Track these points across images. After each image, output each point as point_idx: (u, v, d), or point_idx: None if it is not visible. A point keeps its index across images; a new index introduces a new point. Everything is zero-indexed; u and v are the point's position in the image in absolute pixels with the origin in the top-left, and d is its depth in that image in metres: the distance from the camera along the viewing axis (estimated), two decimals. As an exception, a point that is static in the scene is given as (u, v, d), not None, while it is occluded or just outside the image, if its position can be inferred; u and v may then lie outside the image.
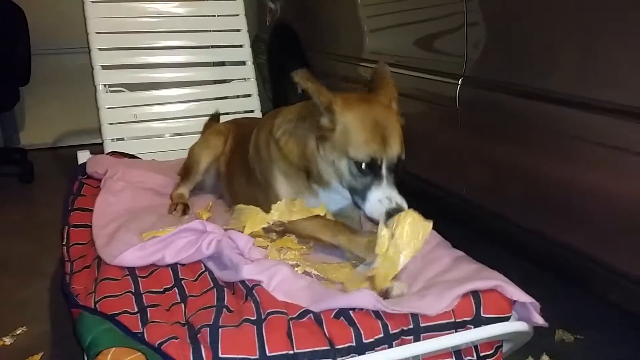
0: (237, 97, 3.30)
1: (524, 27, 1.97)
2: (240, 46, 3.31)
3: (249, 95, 3.28)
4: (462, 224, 2.51)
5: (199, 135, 2.79)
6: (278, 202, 1.78)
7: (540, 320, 1.45)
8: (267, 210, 1.78)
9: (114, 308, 1.45)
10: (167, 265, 1.67)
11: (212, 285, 1.58)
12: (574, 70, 1.79)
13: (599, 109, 1.65)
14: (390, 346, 1.36)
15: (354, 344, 1.33)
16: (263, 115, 3.08)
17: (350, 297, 1.40)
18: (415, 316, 1.39)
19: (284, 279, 1.50)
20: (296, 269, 1.60)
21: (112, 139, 2.96)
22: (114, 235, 1.83)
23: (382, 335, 1.35)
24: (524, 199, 2.05)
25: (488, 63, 2.15)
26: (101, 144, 2.97)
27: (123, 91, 3.04)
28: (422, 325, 1.39)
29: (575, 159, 1.79)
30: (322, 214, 1.76)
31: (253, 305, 1.41)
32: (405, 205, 1.59)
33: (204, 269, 1.67)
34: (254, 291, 1.46)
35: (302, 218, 1.75)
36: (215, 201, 2.30)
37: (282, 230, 1.80)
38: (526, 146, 1.98)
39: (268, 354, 1.28)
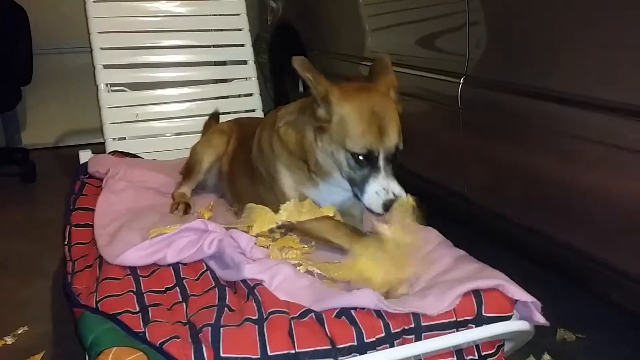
0: (239, 96, 3.30)
1: (526, 26, 1.97)
2: (242, 45, 3.31)
3: (250, 95, 3.28)
4: (463, 223, 2.51)
5: (201, 134, 2.80)
6: (287, 202, 1.77)
7: (541, 320, 1.45)
8: (274, 209, 1.78)
9: (116, 307, 1.45)
10: (169, 265, 1.67)
11: (213, 284, 1.58)
12: (576, 70, 1.79)
13: (600, 107, 1.65)
14: (392, 345, 1.36)
15: (355, 343, 1.33)
16: (265, 114, 3.08)
17: (351, 296, 1.40)
18: (416, 315, 1.39)
19: (286, 278, 1.50)
20: (298, 268, 1.60)
21: (114, 139, 2.97)
22: (116, 235, 1.83)
23: (383, 334, 1.35)
24: (525, 198, 2.04)
25: (490, 62, 2.14)
26: (103, 144, 2.98)
27: (125, 91, 3.04)
28: (423, 324, 1.39)
29: (576, 158, 1.79)
30: (330, 214, 1.74)
31: (254, 304, 1.41)
32: (403, 193, 1.58)
33: (205, 268, 1.67)
34: (255, 290, 1.46)
35: (312, 219, 1.73)
36: (216, 200, 2.30)
37: (290, 230, 1.79)
38: (527, 145, 1.98)
39: (269, 353, 1.28)
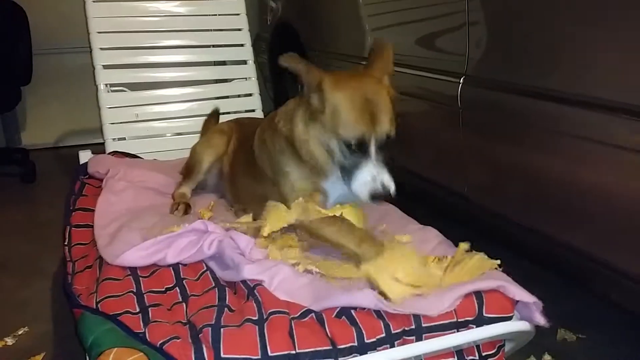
0: (239, 96, 3.30)
1: (526, 26, 1.97)
2: (242, 45, 3.31)
3: (250, 95, 3.28)
4: (463, 223, 2.50)
5: (200, 133, 2.80)
6: (296, 200, 1.75)
7: (542, 320, 1.45)
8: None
9: (116, 308, 1.45)
10: (169, 265, 1.67)
11: (213, 284, 1.58)
12: (576, 69, 1.78)
13: (600, 107, 1.65)
14: (392, 346, 1.36)
15: (355, 343, 1.33)
16: (265, 114, 3.07)
17: (351, 296, 1.40)
18: (417, 316, 1.39)
19: (285, 278, 1.50)
20: (297, 267, 1.60)
21: (114, 139, 2.97)
22: (116, 235, 1.83)
23: (384, 335, 1.35)
24: (524, 198, 2.04)
25: (489, 62, 2.14)
26: (103, 144, 2.97)
27: (124, 91, 3.03)
28: (424, 325, 1.39)
29: (576, 158, 1.79)
30: (337, 214, 1.73)
31: (255, 305, 1.41)
32: (392, 185, 1.59)
33: (205, 268, 1.67)
34: (255, 291, 1.46)
35: (323, 220, 1.71)
36: (217, 201, 2.30)
37: (300, 230, 1.77)
38: (527, 145, 1.98)
39: (270, 354, 1.28)
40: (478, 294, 1.45)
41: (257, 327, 1.33)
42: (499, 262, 1.57)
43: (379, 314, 1.38)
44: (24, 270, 2.71)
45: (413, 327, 1.39)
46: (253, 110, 3.24)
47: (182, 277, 1.63)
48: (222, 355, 1.26)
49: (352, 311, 1.39)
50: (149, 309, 1.47)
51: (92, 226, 1.99)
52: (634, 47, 1.58)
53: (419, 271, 1.49)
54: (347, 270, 1.61)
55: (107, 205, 2.12)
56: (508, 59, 2.06)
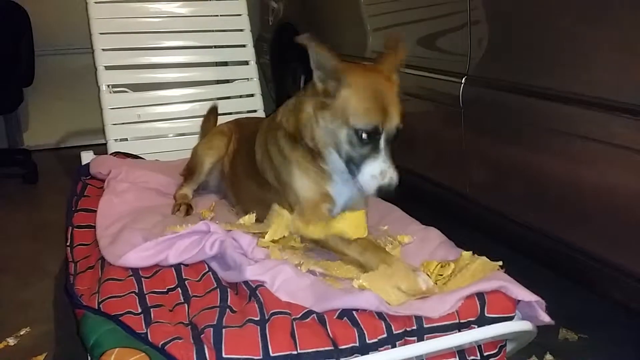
0: (240, 96, 3.30)
1: (527, 26, 1.97)
2: (243, 46, 3.31)
3: (252, 95, 3.28)
4: (465, 222, 2.50)
5: (200, 129, 2.84)
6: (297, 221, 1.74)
7: (546, 318, 1.45)
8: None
9: (118, 308, 1.45)
10: (171, 266, 1.67)
11: (215, 285, 1.58)
12: (577, 69, 1.78)
13: (602, 107, 1.65)
14: (394, 346, 1.36)
15: (357, 344, 1.33)
16: (266, 115, 3.07)
17: (353, 297, 1.40)
18: (418, 317, 1.39)
19: (287, 279, 1.50)
20: (300, 267, 1.60)
21: (116, 140, 2.97)
22: (118, 236, 1.83)
23: (385, 335, 1.35)
24: (526, 197, 2.04)
25: (491, 62, 2.14)
26: (105, 145, 2.97)
27: (126, 91, 3.04)
28: (425, 326, 1.39)
29: (578, 157, 1.78)
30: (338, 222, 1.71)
31: (256, 305, 1.41)
32: (396, 181, 1.59)
33: (207, 269, 1.67)
34: (257, 292, 1.46)
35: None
36: (218, 201, 2.30)
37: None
38: (529, 144, 1.98)
39: (272, 354, 1.28)
40: (480, 295, 1.45)
41: (258, 327, 1.33)
42: (500, 263, 1.57)
43: (380, 314, 1.38)
44: (25, 270, 2.72)
45: (415, 327, 1.39)
46: (255, 111, 3.24)
47: (184, 277, 1.63)
48: (224, 356, 1.26)
49: (354, 312, 1.39)
50: (151, 309, 1.47)
51: (94, 227, 1.99)
52: (635, 46, 1.57)
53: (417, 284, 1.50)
54: (349, 270, 1.62)
55: (109, 206, 2.12)
56: (510, 59, 2.06)
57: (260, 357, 1.28)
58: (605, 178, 1.70)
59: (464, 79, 2.20)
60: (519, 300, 1.46)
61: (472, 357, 1.49)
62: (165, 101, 3.14)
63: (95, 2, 3.00)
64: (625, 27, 1.61)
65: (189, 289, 1.57)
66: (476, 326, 1.43)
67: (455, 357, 1.48)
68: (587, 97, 1.70)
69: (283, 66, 4.21)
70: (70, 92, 4.86)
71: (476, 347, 1.49)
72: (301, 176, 1.80)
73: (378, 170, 1.59)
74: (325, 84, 1.65)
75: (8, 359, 2.05)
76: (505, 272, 1.55)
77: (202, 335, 1.31)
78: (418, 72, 2.50)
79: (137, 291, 1.55)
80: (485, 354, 1.50)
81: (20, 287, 2.56)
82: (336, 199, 1.81)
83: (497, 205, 2.21)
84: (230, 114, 3.06)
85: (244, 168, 2.12)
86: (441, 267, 1.60)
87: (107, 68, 2.99)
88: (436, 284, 1.54)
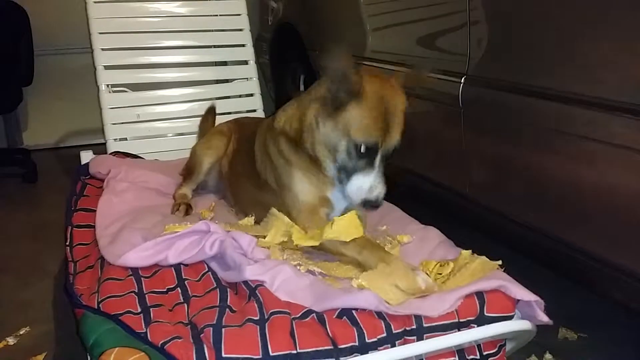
0: (240, 96, 3.30)
1: (527, 25, 1.97)
2: (243, 46, 3.31)
3: (251, 95, 3.28)
4: (465, 222, 2.51)
5: (198, 128, 2.84)
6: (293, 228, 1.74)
7: (545, 318, 1.45)
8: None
9: (117, 308, 1.45)
10: (170, 266, 1.67)
11: (215, 285, 1.58)
12: (577, 69, 1.78)
13: (602, 107, 1.65)
14: (393, 346, 1.36)
15: (356, 343, 1.33)
16: (266, 115, 3.07)
17: (352, 297, 1.40)
18: (418, 316, 1.39)
19: (287, 279, 1.50)
20: (299, 267, 1.60)
21: (115, 139, 2.96)
22: (117, 236, 1.83)
23: (384, 334, 1.35)
24: (526, 197, 2.04)
25: (491, 62, 2.14)
26: (104, 144, 2.97)
27: (126, 91, 3.03)
28: (425, 325, 1.39)
29: (578, 156, 1.79)
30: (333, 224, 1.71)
31: (256, 305, 1.41)
32: (383, 197, 1.63)
33: (207, 269, 1.67)
34: (256, 291, 1.46)
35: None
36: (217, 201, 2.30)
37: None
38: (529, 144, 1.98)
39: (271, 353, 1.28)
40: (479, 294, 1.45)
41: (258, 327, 1.33)
42: (500, 262, 1.57)
43: (380, 314, 1.38)
44: (25, 270, 2.72)
45: (414, 327, 1.39)
46: (254, 111, 3.24)
47: (183, 277, 1.63)
48: (224, 355, 1.26)
49: (353, 311, 1.38)
50: (151, 309, 1.47)
51: (93, 226, 1.99)
52: (636, 46, 1.58)
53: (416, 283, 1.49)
54: (348, 269, 1.62)
55: (108, 206, 2.12)
56: (509, 59, 2.06)
57: (260, 356, 1.28)
58: (605, 178, 1.71)
59: (463, 78, 2.20)
60: (518, 300, 1.46)
61: (471, 357, 1.49)
62: (165, 101, 3.14)
63: (95, 2, 3.00)
64: (626, 27, 1.61)
65: (188, 288, 1.57)
66: (475, 325, 1.43)
67: (455, 357, 1.48)
68: (587, 97, 1.71)
69: (282, 66, 4.22)
70: (70, 91, 4.86)
71: (476, 347, 1.49)
72: (301, 180, 1.80)
73: (368, 185, 1.62)
74: (335, 95, 1.63)
75: (8, 359, 2.05)
76: (505, 271, 1.55)
77: (201, 335, 1.31)
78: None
79: (136, 291, 1.55)
80: (484, 353, 1.50)
81: (20, 287, 2.56)
82: (335, 204, 1.81)
83: (497, 205, 2.21)
84: (229, 113, 3.06)
85: (242, 169, 2.12)
86: (440, 266, 1.60)
87: (107, 68, 2.99)
88: (435, 282, 1.54)
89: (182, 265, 1.68)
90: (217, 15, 3.29)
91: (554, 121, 1.84)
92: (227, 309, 1.42)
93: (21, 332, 2.19)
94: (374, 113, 1.60)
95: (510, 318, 1.46)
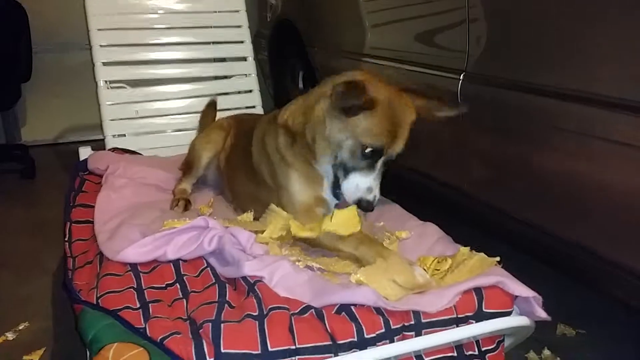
0: (239, 92, 3.29)
1: (526, 22, 1.97)
2: (241, 42, 3.31)
3: (250, 91, 3.28)
4: (463, 218, 2.51)
5: (199, 121, 2.86)
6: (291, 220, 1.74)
7: (543, 314, 1.46)
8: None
9: (116, 303, 1.45)
10: (169, 261, 1.67)
11: (213, 280, 1.58)
12: (577, 66, 1.78)
13: (601, 104, 1.65)
14: (392, 341, 1.36)
15: (355, 339, 1.33)
16: (265, 112, 3.07)
17: (350, 293, 1.40)
18: (416, 312, 1.39)
19: (285, 274, 1.51)
20: (298, 263, 1.61)
21: (114, 135, 2.96)
22: (116, 231, 1.83)
23: (383, 330, 1.35)
24: (525, 194, 2.05)
25: (490, 58, 2.14)
26: (102, 140, 2.97)
27: (124, 87, 3.03)
28: (423, 321, 1.39)
29: (578, 153, 1.79)
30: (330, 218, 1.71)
31: (255, 300, 1.41)
32: (377, 200, 1.67)
33: (205, 264, 1.67)
34: (255, 287, 1.47)
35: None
36: (216, 197, 2.30)
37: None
38: (528, 141, 1.98)
39: (270, 349, 1.29)
40: (478, 290, 1.45)
41: (257, 322, 1.33)
42: (498, 258, 1.57)
43: (378, 309, 1.39)
44: (24, 266, 2.72)
45: (413, 322, 1.39)
46: (253, 107, 3.24)
47: (182, 273, 1.63)
48: (222, 351, 1.26)
49: (352, 307, 1.39)
50: (150, 304, 1.47)
51: (92, 222, 1.99)
52: (636, 43, 1.58)
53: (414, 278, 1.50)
54: (346, 265, 1.62)
55: (107, 202, 2.12)
56: (508, 56, 2.06)
57: (259, 351, 1.28)
58: (605, 175, 1.71)
59: (462, 75, 2.20)
60: (516, 296, 1.47)
61: (470, 352, 1.49)
62: (163, 97, 3.13)
63: (93, -2, 3.00)
64: (626, 23, 1.61)
65: (187, 284, 1.57)
66: (474, 321, 1.43)
67: (454, 352, 1.48)
68: (586, 94, 1.71)
69: (281, 62, 4.21)
70: (68, 88, 4.86)
71: (474, 342, 1.49)
72: (297, 179, 1.82)
73: (366, 185, 1.65)
74: (346, 106, 1.61)
75: (7, 354, 2.05)
76: (503, 268, 1.55)
77: (200, 330, 1.31)
78: (416, 69, 2.50)
79: (135, 286, 1.55)
80: (483, 349, 1.50)
81: (19, 282, 2.56)
82: (330, 203, 1.82)
83: (496, 202, 2.21)
84: (228, 110, 3.06)
85: (240, 164, 2.12)
86: (438, 262, 1.60)
87: (105, 64, 2.98)
88: (432, 277, 1.54)
89: (180, 261, 1.68)
90: (215, 12, 3.29)
91: (553, 118, 1.84)
92: (226, 305, 1.43)
93: (20, 328, 2.19)
94: (384, 122, 1.62)
95: (508, 314, 1.47)
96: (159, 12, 3.17)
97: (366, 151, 1.62)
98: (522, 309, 1.50)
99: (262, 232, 1.74)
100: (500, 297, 1.46)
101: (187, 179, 2.30)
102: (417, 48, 2.55)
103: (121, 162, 2.46)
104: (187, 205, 2.17)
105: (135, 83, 3.07)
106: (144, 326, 1.35)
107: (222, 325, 1.31)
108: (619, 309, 2.16)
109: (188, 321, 1.39)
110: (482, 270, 1.53)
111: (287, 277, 1.50)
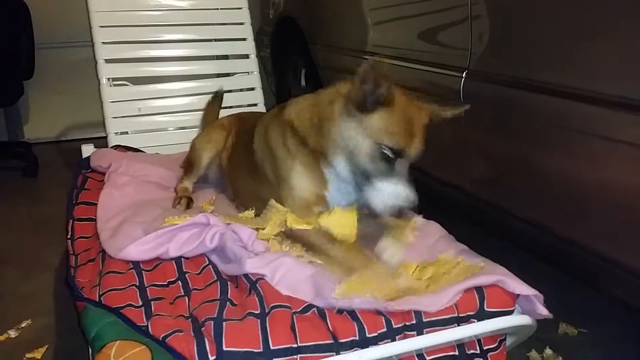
0: (241, 90, 3.29)
1: (529, 20, 1.96)
2: (244, 39, 3.31)
3: (252, 89, 3.28)
4: (466, 217, 2.50)
5: (202, 115, 2.89)
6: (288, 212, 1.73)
7: (544, 312, 1.45)
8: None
9: (119, 301, 1.45)
10: (171, 259, 1.68)
11: (215, 278, 1.58)
12: (580, 64, 1.78)
13: (603, 102, 1.64)
14: (393, 340, 1.36)
15: (357, 338, 1.33)
16: (267, 109, 3.07)
17: (349, 299, 1.40)
18: (418, 311, 1.39)
19: (287, 272, 1.51)
20: (302, 259, 1.61)
21: (116, 133, 2.96)
22: (118, 229, 1.84)
23: (385, 329, 1.35)
24: (527, 192, 2.04)
25: (492, 56, 2.14)
26: (105, 138, 2.97)
27: (127, 85, 3.03)
28: (425, 320, 1.39)
29: (580, 152, 1.78)
30: (327, 216, 1.70)
31: (257, 299, 1.41)
32: (413, 203, 1.56)
33: (207, 262, 1.67)
34: (257, 285, 1.47)
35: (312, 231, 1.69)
36: (218, 195, 2.31)
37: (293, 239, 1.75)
38: (530, 140, 1.98)
39: (272, 347, 1.29)
40: (479, 289, 1.45)
41: (259, 320, 1.33)
42: (482, 265, 1.56)
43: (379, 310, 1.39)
44: (27, 263, 2.72)
45: (414, 322, 1.39)
46: (255, 105, 3.24)
47: (184, 270, 1.63)
48: (224, 349, 1.27)
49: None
50: (152, 302, 1.47)
51: (94, 220, 1.99)
52: (636, 41, 1.57)
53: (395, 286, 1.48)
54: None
55: (109, 199, 2.12)
56: (511, 53, 2.06)
57: (261, 350, 1.28)
58: (606, 174, 1.70)
59: (464, 73, 2.20)
60: (518, 295, 1.47)
61: (471, 351, 1.49)
62: (166, 94, 3.13)
63: (95, -5, 3.00)
64: (629, 20, 1.61)
65: (189, 281, 1.58)
66: (475, 320, 1.43)
67: (455, 351, 1.48)
68: (589, 92, 1.70)
69: (284, 60, 4.21)
70: (71, 85, 4.86)
71: (476, 341, 1.50)
72: (300, 175, 1.79)
73: (399, 190, 1.56)
74: (366, 97, 1.58)
75: (9, 351, 2.06)
76: (504, 266, 1.55)
77: (202, 328, 1.32)
78: (419, 66, 2.50)
79: (137, 284, 1.56)
80: (485, 348, 1.51)
81: (22, 280, 2.56)
82: (331, 203, 1.79)
83: (497, 200, 2.20)
84: (230, 107, 3.06)
85: (242, 162, 2.12)
86: (420, 270, 1.59)
87: (107, 61, 2.98)
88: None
89: (182, 259, 1.68)
90: (218, 9, 3.29)
91: (556, 116, 1.84)
92: (228, 302, 1.43)
93: (23, 325, 2.20)
94: (402, 121, 1.59)
95: (510, 313, 1.46)
96: (161, 9, 3.18)
97: (385, 153, 1.57)
98: (523, 308, 1.49)
99: (264, 228, 1.74)
100: (502, 296, 1.46)
101: (189, 177, 2.30)
102: (419, 46, 2.55)
103: (124, 159, 2.46)
104: (190, 203, 2.17)
105: (138, 80, 3.08)
106: (146, 324, 1.35)
107: (224, 323, 1.32)
108: (620, 308, 2.16)
109: (190, 319, 1.40)
110: (465, 276, 1.52)
111: (289, 275, 1.51)
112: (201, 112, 2.97)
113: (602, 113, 1.65)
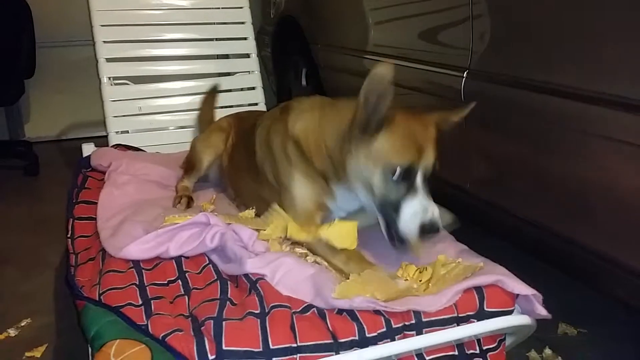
0: (242, 89, 3.30)
1: (530, 19, 1.96)
2: (245, 39, 3.31)
3: (253, 88, 3.28)
4: (465, 217, 2.50)
5: (199, 111, 2.91)
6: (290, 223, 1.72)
7: (543, 312, 1.45)
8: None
9: (119, 300, 1.45)
10: (171, 258, 1.68)
11: (215, 277, 1.58)
12: (580, 64, 1.78)
13: (603, 102, 1.64)
14: (393, 340, 1.36)
15: (357, 337, 1.33)
16: (267, 108, 3.07)
17: (349, 300, 1.40)
18: (417, 311, 1.39)
19: (287, 272, 1.51)
20: (306, 258, 1.62)
21: (117, 132, 2.97)
22: (119, 228, 1.84)
23: (384, 329, 1.35)
24: (527, 192, 2.04)
25: (493, 56, 2.14)
26: (106, 137, 2.98)
27: (127, 84, 3.04)
28: (424, 320, 1.39)
29: (581, 152, 1.78)
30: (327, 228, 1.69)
31: (257, 298, 1.41)
32: (438, 218, 1.54)
33: (207, 261, 1.67)
34: (257, 285, 1.47)
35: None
36: (218, 194, 2.31)
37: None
38: (531, 140, 1.97)
39: (271, 346, 1.29)
40: (478, 289, 1.45)
41: (258, 320, 1.33)
42: (482, 264, 1.55)
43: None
44: (27, 262, 2.72)
45: (414, 322, 1.39)
46: (256, 104, 3.24)
47: (184, 270, 1.63)
48: (224, 348, 1.27)
49: (353, 306, 1.39)
50: (152, 301, 1.47)
51: (94, 219, 2.00)
52: (637, 41, 1.57)
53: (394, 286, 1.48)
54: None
55: (109, 198, 2.12)
56: (512, 53, 2.05)
57: (261, 349, 1.28)
58: (606, 174, 1.70)
59: (465, 72, 2.20)
60: (517, 295, 1.47)
61: (471, 351, 1.49)
62: (167, 94, 3.14)
63: (96, -6, 3.00)
64: (629, 20, 1.61)
65: (189, 281, 1.58)
66: (475, 320, 1.43)
67: (455, 351, 1.48)
68: (590, 91, 1.70)
69: (284, 59, 4.21)
70: (72, 84, 4.87)
71: (475, 341, 1.50)
72: (302, 183, 1.78)
73: (419, 207, 1.53)
74: (368, 118, 1.56)
75: (9, 350, 2.06)
76: (504, 266, 1.55)
77: (202, 328, 1.32)
78: (420, 66, 2.50)
79: (137, 283, 1.56)
80: (484, 347, 1.50)
81: (22, 279, 2.56)
82: (334, 213, 1.79)
83: (498, 200, 2.20)
84: (231, 106, 3.07)
85: (242, 162, 2.12)
86: (419, 272, 1.59)
87: (108, 60, 2.99)
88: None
89: (182, 258, 1.68)
90: (219, 8, 3.29)
91: (557, 116, 1.84)
92: (228, 302, 1.43)
93: (22, 324, 2.20)
94: (406, 138, 1.56)
95: (509, 313, 1.46)
96: (162, 8, 3.18)
97: (397, 173, 1.54)
98: (523, 308, 1.49)
99: (264, 230, 1.74)
100: (502, 296, 1.45)
101: (189, 177, 2.30)
102: (420, 45, 2.55)
103: (124, 158, 2.46)
104: (190, 202, 2.17)
105: (139, 79, 3.08)
106: (146, 323, 1.36)
107: (223, 322, 1.32)
108: (620, 308, 2.16)
109: (190, 318, 1.40)
110: (464, 275, 1.51)
111: (289, 275, 1.50)
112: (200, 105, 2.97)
113: (602, 113, 1.65)
